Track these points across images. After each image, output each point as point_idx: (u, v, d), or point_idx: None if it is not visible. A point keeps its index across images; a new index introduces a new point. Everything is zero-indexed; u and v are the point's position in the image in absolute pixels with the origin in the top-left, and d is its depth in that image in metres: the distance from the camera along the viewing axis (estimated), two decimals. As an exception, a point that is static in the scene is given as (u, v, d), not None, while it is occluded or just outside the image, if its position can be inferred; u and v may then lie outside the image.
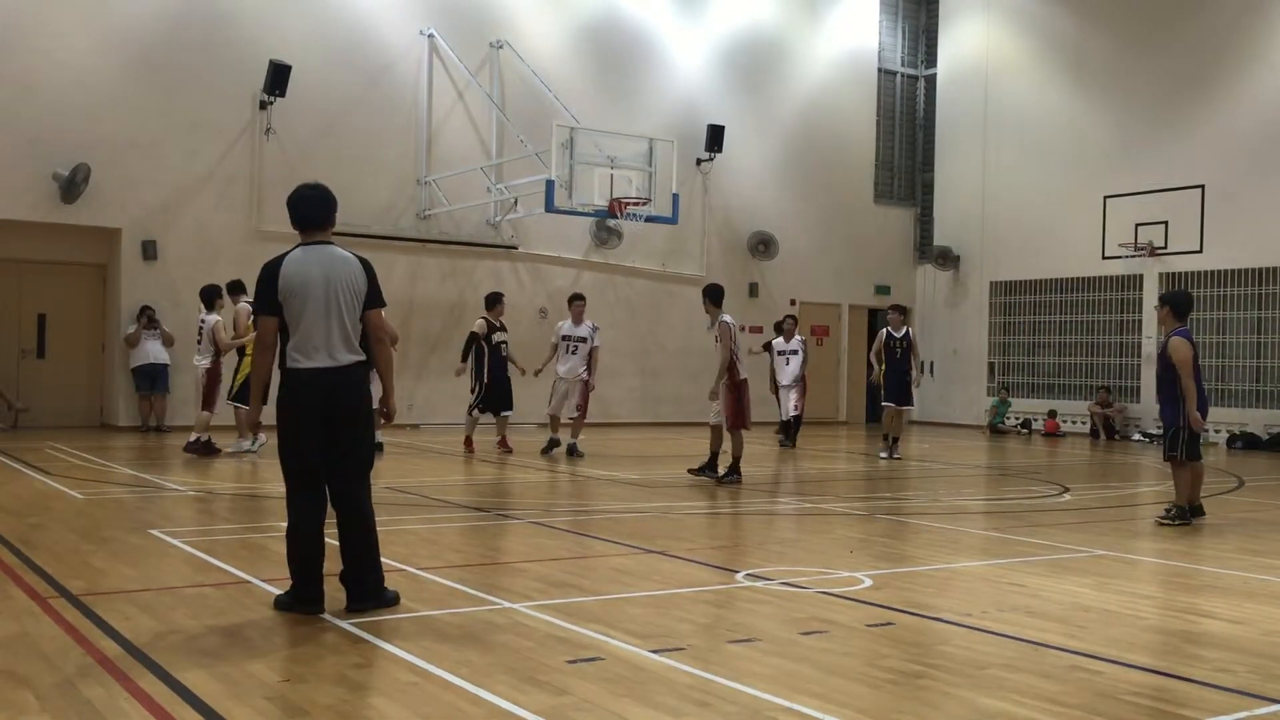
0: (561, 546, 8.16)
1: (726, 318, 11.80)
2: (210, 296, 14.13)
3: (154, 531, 8.06)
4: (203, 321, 14.14)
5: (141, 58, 17.66)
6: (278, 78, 17.95)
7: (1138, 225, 21.34)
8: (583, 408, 14.73)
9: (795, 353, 16.98)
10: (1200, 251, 20.58)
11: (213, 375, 14.01)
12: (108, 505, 9.77)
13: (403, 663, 4.75)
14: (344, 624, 5.38)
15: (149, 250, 17.81)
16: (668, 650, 5.00)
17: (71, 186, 16.98)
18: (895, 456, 15.37)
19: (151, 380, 17.58)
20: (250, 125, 18.48)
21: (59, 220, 17.24)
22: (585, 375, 14.66)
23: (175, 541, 7.66)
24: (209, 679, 4.44)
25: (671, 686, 4.48)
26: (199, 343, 14.19)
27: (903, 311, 16.32)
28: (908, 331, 15.82)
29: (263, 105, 18.36)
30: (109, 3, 17.54)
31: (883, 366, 15.81)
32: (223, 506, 9.81)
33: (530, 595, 6.15)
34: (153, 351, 17.56)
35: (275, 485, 11.25)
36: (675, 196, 18.05)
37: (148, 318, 17.59)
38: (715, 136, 22.30)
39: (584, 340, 14.71)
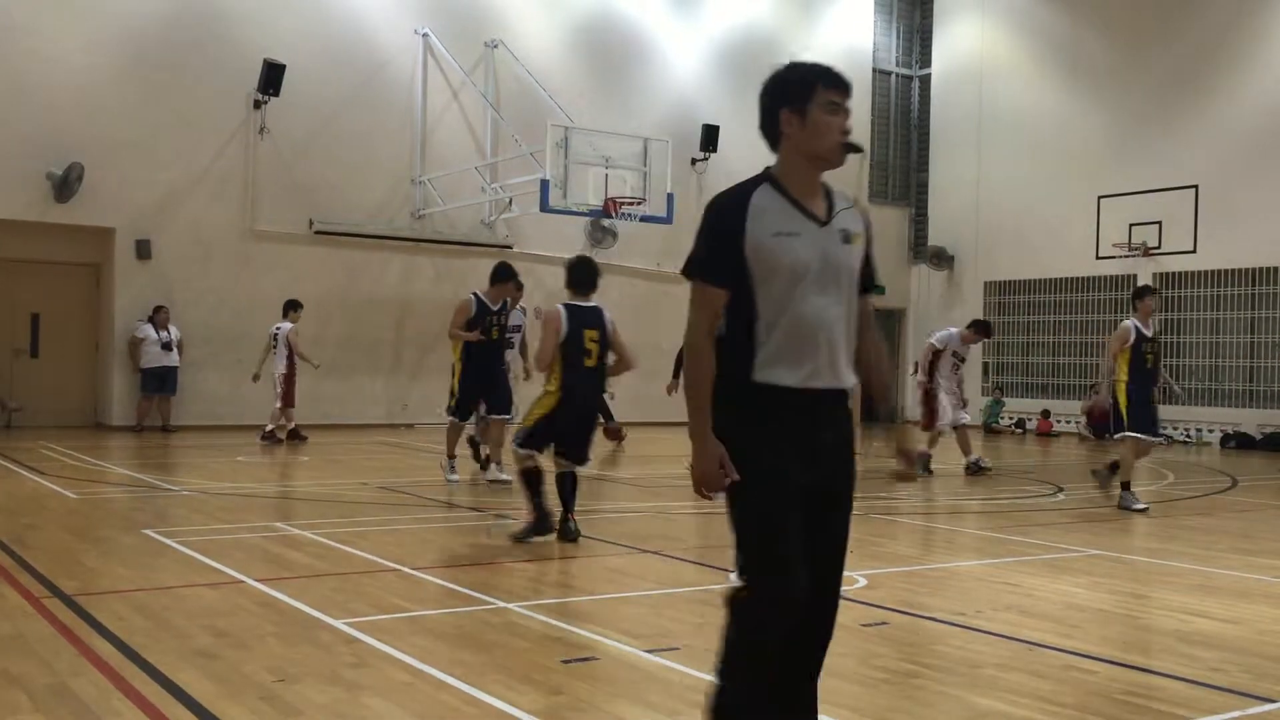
0: (556, 546, 8.16)
1: None
2: (287, 308, 16.16)
3: (148, 531, 8.05)
4: (278, 329, 16.00)
5: (135, 57, 17.63)
6: (272, 77, 17.92)
7: (1131, 225, 21.37)
8: None
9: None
10: (1194, 252, 20.62)
11: (289, 379, 15.81)
12: (101, 505, 9.76)
13: (397, 662, 4.74)
14: (338, 623, 5.37)
15: (143, 249, 17.78)
16: (662, 650, 4.99)
17: (65, 186, 16.95)
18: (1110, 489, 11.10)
19: (160, 382, 17.53)
20: (244, 124, 18.45)
21: (53, 219, 17.21)
22: None
23: (169, 541, 7.65)
24: (202, 679, 4.43)
25: (666, 686, 4.48)
26: (274, 349, 15.98)
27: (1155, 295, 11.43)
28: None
29: (257, 104, 18.33)
30: (103, 2, 17.51)
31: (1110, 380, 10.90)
32: (217, 506, 9.79)
33: (525, 595, 6.15)
34: (164, 353, 17.49)
35: (271, 485, 11.28)
36: (670, 196, 18.04)
37: (164, 317, 17.53)
38: (710, 136, 22.32)
39: None
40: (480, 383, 11.16)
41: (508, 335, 11.69)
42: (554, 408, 7.94)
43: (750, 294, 3.30)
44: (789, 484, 3.31)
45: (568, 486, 8.02)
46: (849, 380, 3.43)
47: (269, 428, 15.82)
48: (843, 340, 3.38)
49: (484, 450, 11.98)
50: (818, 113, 3.32)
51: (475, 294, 11.27)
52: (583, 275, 8.35)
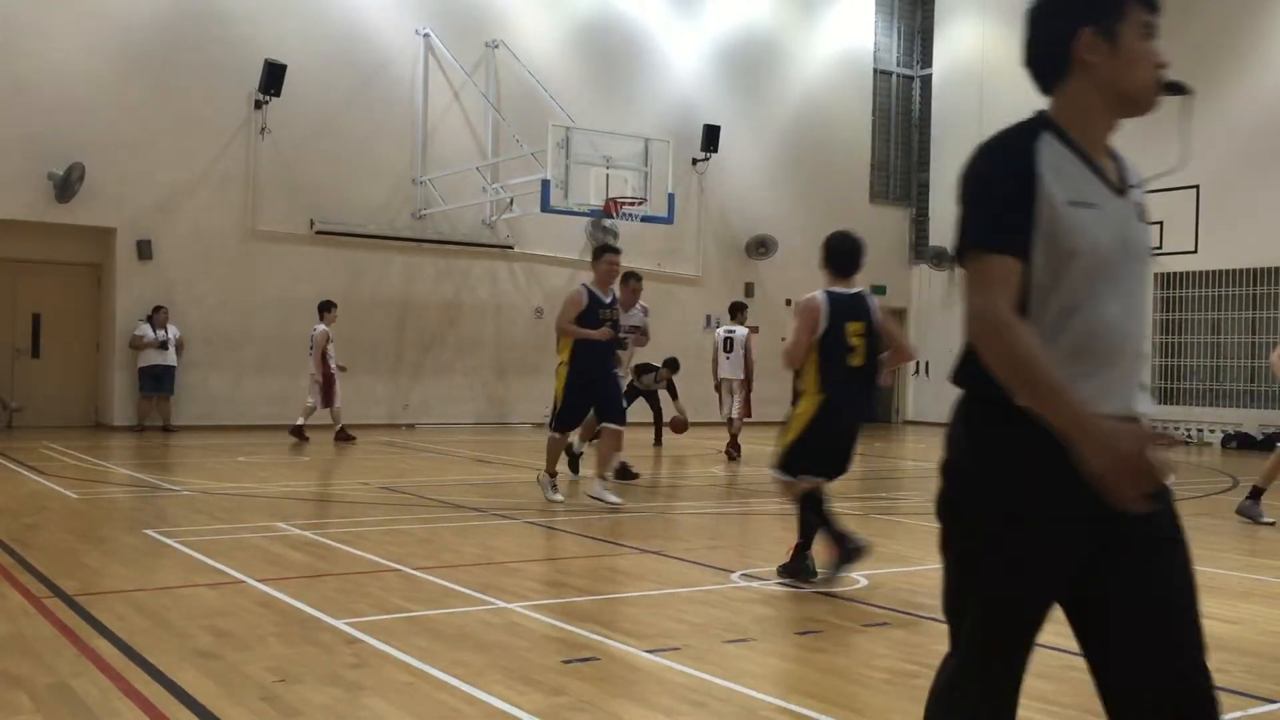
0: (557, 546, 8.16)
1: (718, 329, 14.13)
2: (321, 309, 16.37)
3: (149, 531, 8.06)
4: (315, 330, 16.24)
5: (136, 57, 17.64)
6: (273, 77, 17.94)
7: (1133, 225, 21.37)
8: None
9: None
10: (1195, 252, 20.62)
11: (325, 377, 16.19)
12: (103, 505, 9.76)
13: (398, 663, 4.74)
14: (339, 624, 5.38)
15: (144, 250, 17.79)
16: (663, 650, 5.00)
17: (66, 186, 16.97)
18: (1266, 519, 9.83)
19: (157, 381, 17.53)
20: (245, 125, 18.46)
21: (54, 220, 17.24)
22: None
23: (170, 541, 7.65)
24: (203, 679, 4.43)
25: (667, 686, 4.48)
26: (310, 350, 16.30)
27: None
28: None
29: (258, 105, 18.34)
30: (104, 3, 17.53)
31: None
32: (218, 506, 9.80)
33: (526, 595, 6.14)
34: (161, 353, 17.50)
35: (272, 485, 11.26)
36: (671, 196, 18.05)
37: (163, 317, 17.53)
38: (711, 136, 22.33)
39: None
40: (592, 389, 9.89)
41: (623, 335, 10.65)
42: (809, 423, 6.48)
43: (1026, 280, 2.35)
44: (1058, 539, 2.54)
45: (815, 508, 6.53)
46: (1147, 402, 2.48)
47: (337, 427, 16.31)
48: (1143, 349, 2.49)
49: (581, 455, 11.55)
50: (1131, 36, 2.42)
51: (584, 285, 9.96)
52: (847, 254, 6.76)
